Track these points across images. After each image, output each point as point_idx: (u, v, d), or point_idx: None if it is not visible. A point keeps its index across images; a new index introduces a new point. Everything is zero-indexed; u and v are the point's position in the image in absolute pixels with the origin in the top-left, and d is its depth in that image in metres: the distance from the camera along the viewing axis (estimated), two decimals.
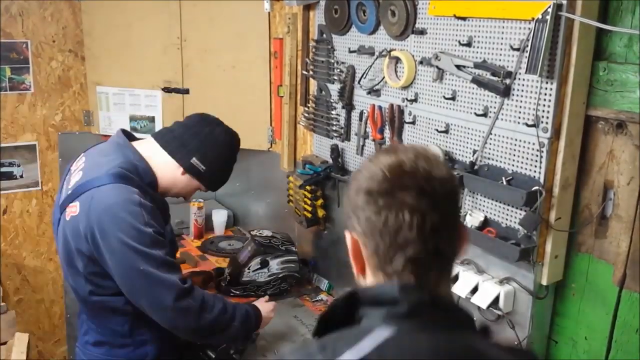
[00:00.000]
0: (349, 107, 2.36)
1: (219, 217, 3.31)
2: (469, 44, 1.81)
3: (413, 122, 2.07)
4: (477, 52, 1.80)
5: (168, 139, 1.97)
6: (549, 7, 1.53)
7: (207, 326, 1.85)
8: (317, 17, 2.50)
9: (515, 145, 1.73)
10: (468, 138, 1.88)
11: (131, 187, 1.80)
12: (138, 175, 1.86)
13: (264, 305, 2.13)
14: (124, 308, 1.87)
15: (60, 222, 1.87)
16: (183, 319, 1.81)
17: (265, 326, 2.13)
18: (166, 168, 1.94)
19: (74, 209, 1.81)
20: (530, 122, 1.66)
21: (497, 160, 1.79)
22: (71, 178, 1.90)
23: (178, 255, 2.91)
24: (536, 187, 1.66)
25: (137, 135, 2.11)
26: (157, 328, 1.87)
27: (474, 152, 1.86)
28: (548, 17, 1.53)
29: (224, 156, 2.02)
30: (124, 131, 2.02)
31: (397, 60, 2.09)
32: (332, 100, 2.47)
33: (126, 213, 1.75)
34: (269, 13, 2.84)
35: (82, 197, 1.80)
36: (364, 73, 2.24)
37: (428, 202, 0.96)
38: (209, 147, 1.96)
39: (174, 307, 1.77)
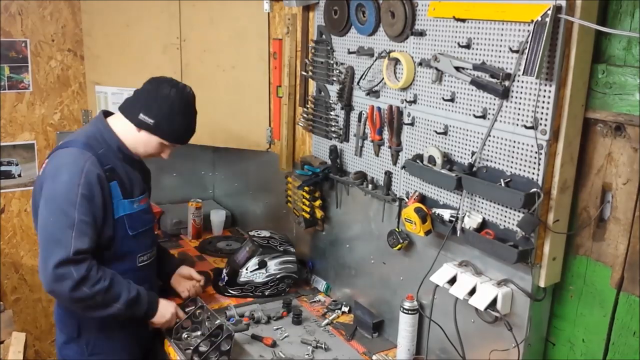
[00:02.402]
0: (348, 108, 2.36)
1: (217, 218, 3.31)
2: (468, 46, 1.82)
3: (412, 124, 2.07)
4: (476, 54, 1.80)
5: (123, 104, 2.22)
6: (548, 9, 1.53)
7: (82, 299, 1.98)
8: (317, 18, 2.51)
9: (514, 147, 1.73)
10: (467, 140, 1.88)
11: (87, 152, 2.05)
12: (105, 142, 2.13)
13: (165, 304, 2.24)
14: None
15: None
16: (59, 284, 1.95)
17: (162, 325, 2.24)
18: (125, 129, 2.17)
19: (44, 165, 2.11)
20: (528, 124, 1.66)
21: (495, 162, 1.79)
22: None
23: (177, 254, 2.91)
24: (534, 189, 1.66)
25: None
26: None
27: (473, 153, 1.86)
28: (547, 20, 1.53)
29: (169, 105, 2.15)
30: (104, 111, 2.28)
31: (397, 61, 2.09)
32: (331, 101, 2.47)
33: (67, 171, 2.01)
34: (268, 14, 2.84)
35: (51, 155, 2.12)
36: (363, 74, 2.24)
37: None
38: (154, 102, 2.14)
39: (54, 270, 1.93)
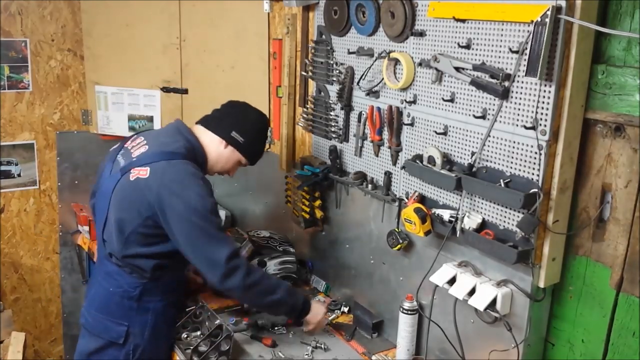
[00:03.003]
0: (348, 108, 2.36)
1: None
2: (468, 46, 1.82)
3: (412, 124, 2.07)
4: (476, 55, 1.80)
5: (209, 120, 2.27)
6: (548, 9, 1.53)
7: (255, 283, 2.06)
8: (317, 18, 2.51)
9: (514, 147, 1.73)
10: (466, 140, 1.88)
11: (196, 165, 2.12)
12: (194, 155, 2.17)
13: (316, 303, 2.33)
14: (144, 274, 2.11)
15: (120, 182, 2.10)
16: (233, 276, 2.01)
17: (316, 327, 2.29)
18: (212, 145, 2.23)
19: (142, 172, 2.06)
20: (528, 125, 1.66)
21: (495, 163, 1.79)
22: (133, 151, 2.16)
23: None
24: (534, 190, 1.66)
25: None
26: (162, 300, 2.17)
27: (473, 154, 1.86)
28: (547, 20, 1.53)
29: (258, 128, 2.31)
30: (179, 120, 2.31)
31: (396, 61, 2.09)
32: (330, 102, 2.47)
33: (195, 184, 2.04)
34: (268, 14, 2.84)
35: (153, 165, 2.06)
36: (363, 74, 2.25)
37: None
38: (244, 122, 2.26)
39: (227, 263, 1.99)
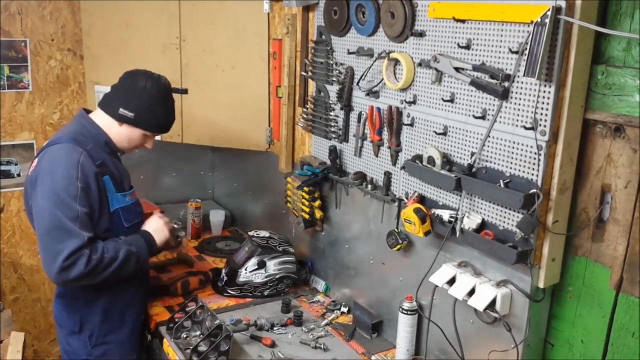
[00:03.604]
0: (348, 108, 2.36)
1: (217, 217, 3.31)
2: (467, 47, 1.82)
3: (411, 124, 2.07)
4: (476, 55, 1.80)
5: (102, 100, 2.25)
6: (548, 10, 1.53)
7: (96, 266, 2.04)
8: (317, 18, 2.51)
9: (513, 148, 1.73)
10: (466, 140, 1.88)
11: (78, 147, 2.08)
12: (92, 138, 2.17)
13: (151, 223, 2.31)
14: None
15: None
16: (72, 269, 1.99)
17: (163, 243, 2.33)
18: (108, 124, 2.21)
19: (34, 164, 2.12)
20: (528, 125, 1.66)
21: (495, 163, 1.79)
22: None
23: (175, 254, 2.91)
24: (534, 190, 1.66)
25: None
26: (108, 289, 2.19)
27: (472, 154, 1.86)
28: (547, 20, 1.53)
29: (149, 99, 2.20)
30: (83, 108, 2.31)
31: (396, 62, 2.09)
32: (330, 102, 2.47)
33: (62, 166, 2.03)
34: (268, 14, 2.84)
35: (40, 154, 2.12)
36: (363, 74, 2.25)
37: None
38: (132, 95, 2.19)
39: (66, 259, 1.97)
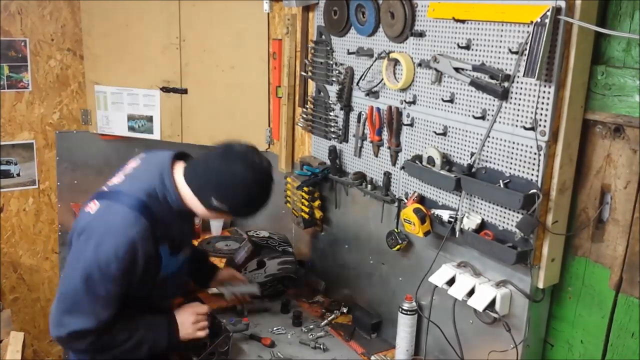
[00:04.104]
0: (347, 108, 2.36)
1: None
2: (467, 47, 1.82)
3: (411, 124, 2.07)
4: (476, 55, 1.80)
5: (192, 175, 1.91)
6: (548, 10, 1.53)
7: (105, 353, 1.90)
8: (316, 19, 2.51)
9: (513, 148, 1.73)
10: (466, 141, 1.88)
11: (143, 220, 1.80)
12: (166, 204, 1.88)
13: (181, 315, 2.07)
14: None
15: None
16: (74, 344, 1.88)
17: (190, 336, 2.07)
18: (193, 201, 1.91)
19: (93, 207, 1.84)
20: (528, 125, 1.66)
21: (494, 163, 1.79)
22: (118, 174, 1.96)
23: None
24: (533, 190, 1.66)
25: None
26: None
27: (472, 154, 1.86)
28: (547, 21, 1.53)
29: (245, 193, 1.87)
30: (175, 154, 1.97)
31: (396, 62, 2.09)
32: (330, 102, 2.47)
33: (113, 241, 1.77)
34: (268, 14, 2.84)
35: (103, 201, 1.85)
36: (363, 75, 2.24)
37: None
38: (227, 187, 1.86)
39: (70, 334, 1.82)
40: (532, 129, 1.65)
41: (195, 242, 3.18)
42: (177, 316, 2.05)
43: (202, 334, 2.07)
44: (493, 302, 1.79)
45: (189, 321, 2.06)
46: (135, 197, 1.83)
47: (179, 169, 1.93)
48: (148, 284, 1.92)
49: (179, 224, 1.97)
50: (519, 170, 1.72)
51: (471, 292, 1.86)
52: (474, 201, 1.87)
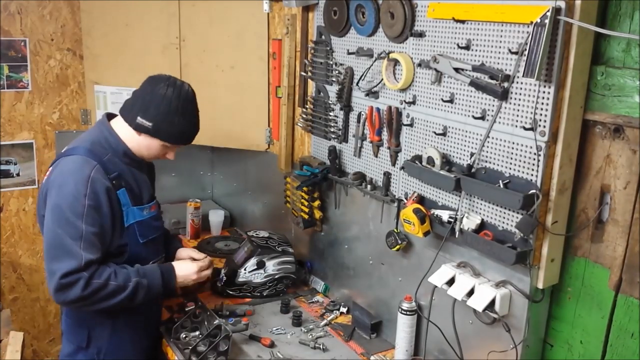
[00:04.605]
0: (347, 108, 2.36)
1: (216, 218, 3.31)
2: (467, 47, 1.82)
3: (411, 125, 2.07)
4: (476, 55, 1.80)
5: (123, 106, 2.14)
6: (548, 10, 1.53)
7: (95, 293, 1.96)
8: (316, 19, 2.51)
9: (513, 148, 1.73)
10: (466, 141, 1.88)
11: (92, 161, 1.99)
12: (110, 148, 2.08)
13: (182, 265, 2.23)
14: None
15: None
16: (69, 291, 1.92)
17: (195, 283, 2.28)
18: (127, 134, 2.10)
19: (48, 172, 2.05)
20: (527, 126, 1.66)
21: (494, 164, 1.79)
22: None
23: None
24: (533, 191, 1.66)
25: None
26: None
27: (472, 155, 1.86)
28: (547, 21, 1.53)
29: (168, 108, 2.06)
30: (107, 113, 2.21)
31: (396, 62, 2.09)
32: (330, 102, 2.47)
33: (72, 181, 1.95)
34: (268, 14, 2.84)
35: (55, 163, 2.05)
36: (363, 75, 2.25)
37: None
38: (150, 104, 2.05)
39: (61, 279, 1.90)
40: (532, 129, 1.65)
41: (195, 242, 3.19)
42: (177, 266, 2.21)
43: (207, 273, 2.29)
44: (492, 302, 1.79)
45: (191, 270, 2.23)
46: (80, 147, 2.04)
47: (114, 120, 2.15)
48: (118, 231, 2.04)
49: (130, 171, 2.12)
50: (518, 171, 1.72)
51: (471, 293, 1.86)
52: (474, 201, 1.87)
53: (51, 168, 2.04)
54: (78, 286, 1.91)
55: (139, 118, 2.05)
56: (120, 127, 2.11)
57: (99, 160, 2.01)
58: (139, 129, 2.07)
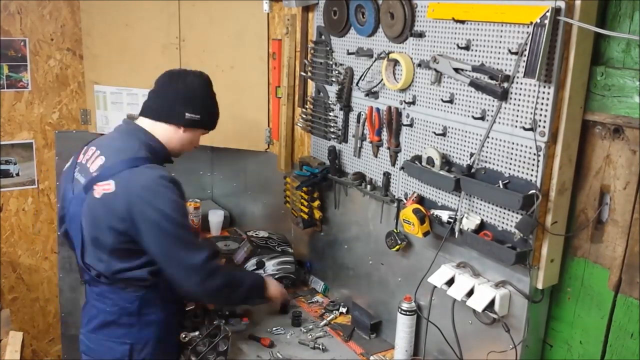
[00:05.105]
0: (347, 109, 2.36)
1: (216, 218, 3.30)
2: (467, 47, 1.82)
3: (411, 125, 2.07)
4: (476, 56, 1.80)
5: (156, 110, 2.12)
6: (548, 11, 1.53)
7: (232, 282, 2.11)
8: (316, 19, 2.51)
9: (512, 148, 1.73)
10: (465, 141, 1.88)
11: (159, 166, 2.02)
12: (155, 153, 2.07)
13: (273, 282, 2.38)
14: (140, 284, 2.01)
15: (86, 202, 1.98)
16: (213, 277, 2.00)
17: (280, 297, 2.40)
18: (169, 134, 2.11)
19: (107, 186, 1.93)
20: (527, 126, 1.66)
21: (494, 164, 1.79)
22: (89, 165, 2.03)
23: None
24: (533, 191, 1.66)
25: None
26: (163, 310, 2.07)
27: (471, 155, 1.86)
28: (546, 22, 1.53)
29: (207, 96, 2.17)
30: (128, 117, 2.19)
31: (396, 62, 2.09)
32: (330, 102, 2.47)
33: (164, 188, 1.94)
34: (267, 14, 2.84)
35: (116, 176, 1.94)
36: (362, 75, 2.25)
37: None
38: (192, 97, 2.12)
39: (205, 266, 1.97)
40: (532, 129, 1.65)
41: None
42: (271, 283, 2.37)
43: (284, 294, 2.44)
44: (492, 302, 1.79)
45: (276, 282, 2.40)
46: (141, 158, 2.00)
47: (142, 122, 2.13)
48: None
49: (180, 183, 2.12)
50: (518, 171, 1.72)
51: (470, 293, 1.86)
52: (474, 202, 1.87)
53: (112, 181, 1.93)
54: (219, 273, 2.03)
55: (187, 114, 2.09)
56: (157, 129, 2.10)
57: (159, 164, 2.05)
58: (190, 124, 2.11)
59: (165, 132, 2.11)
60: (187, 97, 2.11)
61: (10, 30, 3.05)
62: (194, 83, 2.13)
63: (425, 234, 1.99)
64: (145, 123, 2.12)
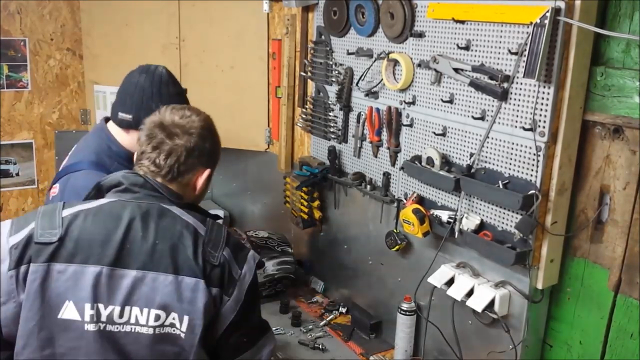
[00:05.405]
0: (347, 109, 2.36)
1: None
2: (467, 48, 1.82)
3: (410, 125, 2.07)
4: (475, 56, 1.80)
5: (111, 108, 2.02)
6: (547, 11, 1.53)
7: None
8: (316, 19, 2.51)
9: (512, 148, 1.73)
10: (465, 141, 1.88)
11: (99, 173, 1.82)
12: (114, 155, 1.94)
13: None
14: None
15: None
16: None
17: None
18: (120, 135, 1.98)
19: (54, 190, 1.90)
20: (527, 126, 1.66)
21: (493, 164, 1.79)
22: (65, 160, 2.02)
23: None
24: (532, 191, 1.66)
25: None
26: None
27: (471, 155, 1.86)
28: (546, 22, 1.53)
29: (144, 95, 1.93)
30: (106, 117, 2.06)
31: (396, 62, 2.09)
32: (330, 102, 2.47)
33: None
34: (267, 14, 2.84)
35: (62, 179, 1.90)
36: (362, 75, 2.24)
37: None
38: (128, 96, 1.94)
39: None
40: (532, 129, 1.65)
41: None
42: None
43: None
44: (492, 302, 1.79)
45: None
46: (85, 161, 1.90)
47: (110, 123, 2.01)
48: None
49: None
50: (518, 171, 1.72)
51: (470, 293, 1.86)
52: (473, 202, 1.87)
53: (58, 185, 1.89)
54: None
55: (120, 113, 1.94)
56: (112, 130, 2.00)
57: (105, 170, 1.86)
58: (122, 124, 1.95)
59: (116, 133, 1.98)
60: (123, 95, 1.96)
61: (10, 30, 3.05)
62: (134, 79, 1.95)
63: (425, 234, 1.99)
64: (110, 123, 2.02)
